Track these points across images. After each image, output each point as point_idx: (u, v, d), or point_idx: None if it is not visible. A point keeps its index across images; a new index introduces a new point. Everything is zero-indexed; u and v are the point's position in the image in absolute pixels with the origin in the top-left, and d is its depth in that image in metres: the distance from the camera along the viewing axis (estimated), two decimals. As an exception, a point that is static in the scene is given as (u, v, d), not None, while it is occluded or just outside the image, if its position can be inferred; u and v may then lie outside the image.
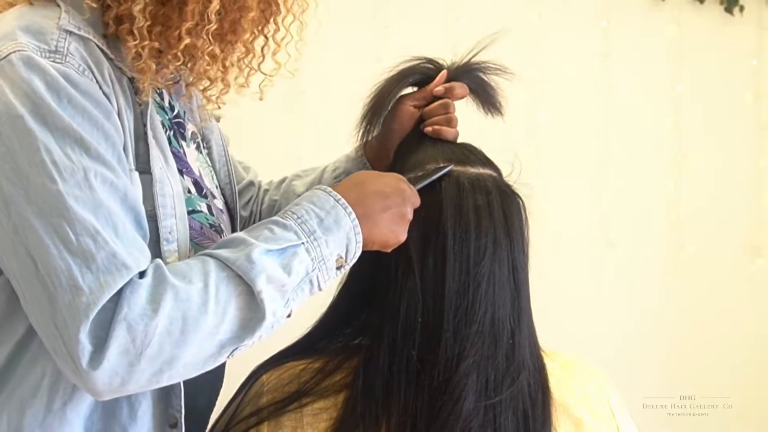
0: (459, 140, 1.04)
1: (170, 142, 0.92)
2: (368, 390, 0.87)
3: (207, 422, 1.02)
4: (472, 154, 0.98)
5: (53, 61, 0.78)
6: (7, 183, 0.75)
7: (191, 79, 0.92)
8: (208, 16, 0.83)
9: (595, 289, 2.46)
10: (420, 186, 0.93)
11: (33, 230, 0.74)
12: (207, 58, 0.86)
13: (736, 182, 2.60)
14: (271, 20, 0.91)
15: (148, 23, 0.83)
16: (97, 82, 0.81)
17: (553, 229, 2.29)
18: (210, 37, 0.85)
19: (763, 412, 2.60)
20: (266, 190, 1.25)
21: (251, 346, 0.81)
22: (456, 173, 0.94)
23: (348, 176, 0.97)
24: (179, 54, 0.85)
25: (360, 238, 0.87)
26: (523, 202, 0.97)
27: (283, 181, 1.25)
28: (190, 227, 0.89)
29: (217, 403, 0.99)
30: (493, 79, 1.09)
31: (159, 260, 0.79)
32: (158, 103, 0.93)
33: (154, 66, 0.84)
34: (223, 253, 0.80)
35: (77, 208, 0.74)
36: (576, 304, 2.36)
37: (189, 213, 0.90)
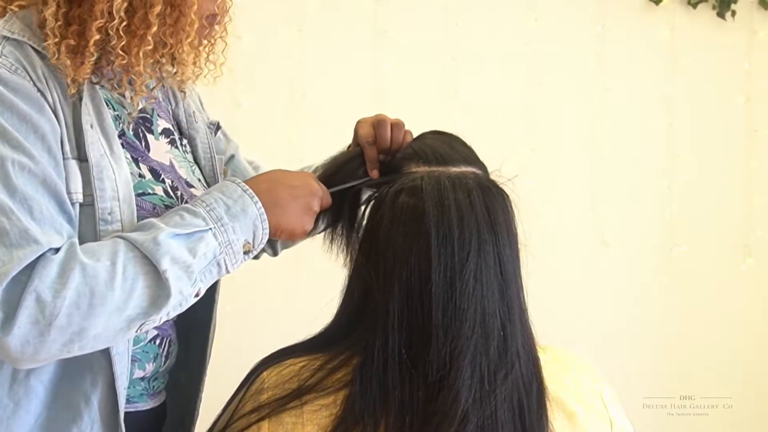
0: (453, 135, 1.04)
1: (123, 133, 0.98)
2: (366, 388, 0.87)
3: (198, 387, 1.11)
4: (455, 153, 0.98)
5: None
6: None
7: (117, 74, 0.97)
8: (114, 13, 0.89)
9: (589, 287, 2.46)
10: (335, 189, 1.01)
11: None
12: (120, 52, 0.91)
13: (728, 183, 2.60)
14: (185, 12, 0.94)
15: (59, 23, 0.89)
16: (31, 79, 0.88)
17: (548, 229, 2.30)
18: (119, 32, 0.90)
19: (763, 412, 2.60)
20: None
21: (157, 321, 0.87)
22: (437, 173, 0.93)
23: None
24: (91, 50, 0.90)
25: (266, 225, 0.94)
26: (508, 197, 0.96)
27: None
28: (141, 207, 0.95)
29: (219, 399, 0.99)
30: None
31: (74, 240, 0.85)
32: (116, 100, 0.99)
33: (69, 62, 0.89)
34: (133, 235, 0.86)
35: None
36: (570, 303, 2.37)
37: (139, 195, 0.95)
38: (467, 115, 2.23)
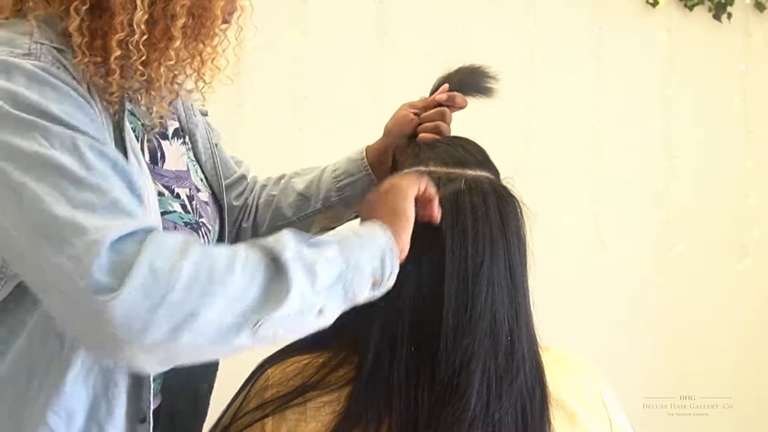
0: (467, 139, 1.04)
1: (142, 149, 0.92)
2: (371, 386, 0.87)
3: (194, 425, 1.03)
4: (470, 156, 0.98)
5: (29, 60, 0.78)
6: (4, 162, 0.73)
7: (137, 86, 0.89)
8: (135, 25, 0.82)
9: (587, 287, 2.46)
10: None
11: (34, 195, 0.71)
12: (140, 68, 0.84)
13: (724, 183, 2.60)
14: (207, 26, 0.88)
15: (86, 39, 0.82)
16: (75, 79, 0.80)
17: (546, 229, 2.29)
18: (140, 47, 0.83)
19: (763, 412, 2.59)
20: (264, 185, 1.25)
21: (276, 325, 0.74)
22: (455, 176, 0.93)
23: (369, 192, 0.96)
24: (113, 67, 0.82)
25: (396, 254, 0.83)
26: (518, 203, 0.96)
27: (282, 177, 1.25)
28: (164, 228, 0.89)
29: (222, 396, 0.99)
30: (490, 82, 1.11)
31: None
32: (129, 110, 0.92)
33: (102, 81, 0.83)
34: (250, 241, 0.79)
35: (72, 167, 0.73)
36: (568, 302, 2.36)
37: (162, 214, 0.90)
38: (467, 115, 2.23)
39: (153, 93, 0.88)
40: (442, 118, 1.08)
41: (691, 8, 2.55)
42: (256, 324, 0.73)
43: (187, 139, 1.06)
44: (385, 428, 0.86)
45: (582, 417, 0.92)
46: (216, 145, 1.14)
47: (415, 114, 1.11)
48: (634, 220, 2.52)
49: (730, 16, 2.57)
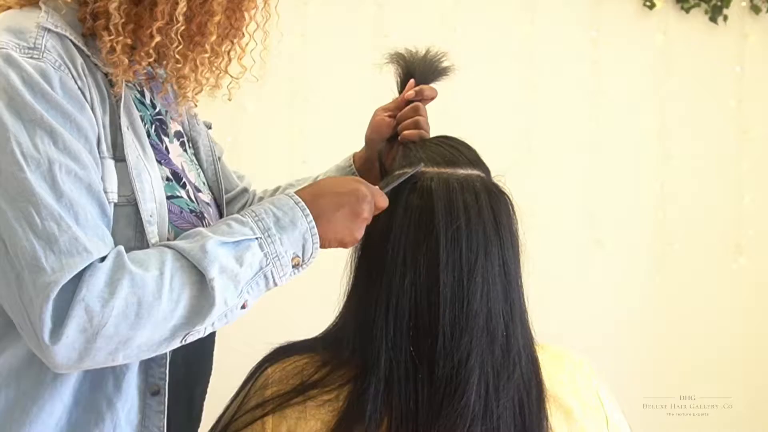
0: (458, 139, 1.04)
1: (149, 135, 0.95)
2: (371, 384, 0.86)
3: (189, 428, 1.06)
4: (461, 155, 0.98)
5: (31, 57, 0.82)
6: None
7: (166, 76, 0.94)
8: (176, 17, 0.86)
9: (584, 286, 2.46)
10: (389, 188, 0.94)
11: (3, 214, 0.77)
12: (177, 56, 0.89)
13: (720, 184, 2.60)
14: (237, 26, 0.93)
15: (123, 20, 0.86)
16: (72, 76, 0.84)
17: (544, 228, 2.30)
18: (179, 36, 0.87)
19: (763, 412, 2.59)
20: (261, 198, 1.27)
21: (203, 332, 0.84)
22: (446, 175, 0.93)
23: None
24: (150, 51, 0.87)
25: (317, 239, 0.89)
26: (510, 200, 0.96)
27: (277, 189, 1.27)
28: (170, 211, 0.92)
29: (222, 396, 0.99)
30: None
31: (120, 247, 0.82)
32: (139, 99, 0.96)
33: (126, 60, 0.87)
34: (180, 244, 0.83)
35: (43, 195, 0.77)
36: (566, 302, 2.36)
37: (168, 198, 0.92)
38: (466, 117, 2.23)
39: (183, 81, 0.93)
40: (418, 112, 1.09)
41: (687, 11, 2.55)
42: (184, 336, 0.82)
43: (189, 144, 1.08)
44: (386, 426, 0.86)
45: (578, 413, 0.92)
46: (219, 159, 1.18)
47: (390, 116, 1.12)
48: (630, 220, 2.52)
49: (726, 18, 2.57)
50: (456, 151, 0.98)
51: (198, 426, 1.08)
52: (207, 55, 0.90)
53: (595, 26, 2.46)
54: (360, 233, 0.92)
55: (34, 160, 0.78)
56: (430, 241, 0.89)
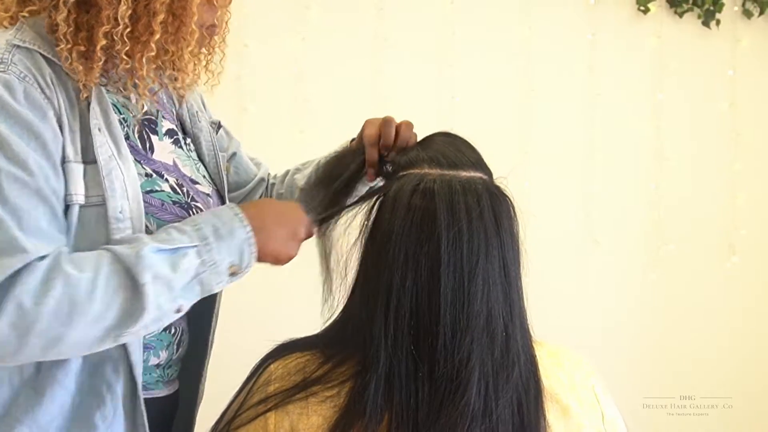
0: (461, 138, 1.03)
1: (127, 137, 0.97)
2: (372, 381, 0.86)
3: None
4: (464, 157, 0.97)
5: None
6: None
7: (122, 75, 0.97)
8: (120, 19, 0.89)
9: (581, 284, 2.46)
10: (327, 214, 0.98)
11: None
12: (124, 57, 0.91)
13: (713, 184, 2.61)
14: (186, 23, 0.94)
15: (71, 29, 0.89)
16: (39, 86, 0.87)
17: (542, 229, 2.29)
18: (124, 38, 0.90)
19: (763, 412, 2.58)
20: (273, 184, 1.30)
21: (136, 334, 0.86)
22: (449, 177, 0.92)
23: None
24: (98, 55, 0.90)
25: (254, 249, 0.92)
26: (511, 202, 0.96)
27: (286, 174, 1.29)
28: (150, 204, 0.95)
29: (226, 391, 0.98)
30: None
31: (63, 248, 0.85)
32: (122, 104, 0.99)
33: (81, 67, 0.89)
34: (118, 248, 0.85)
35: None
36: (564, 302, 2.36)
37: (147, 192, 0.95)
38: (465, 118, 2.23)
39: (137, 81, 0.95)
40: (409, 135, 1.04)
41: (681, 15, 2.55)
42: (117, 337, 0.84)
43: (185, 141, 1.10)
44: (386, 422, 0.85)
45: (575, 410, 0.91)
46: (235, 153, 1.24)
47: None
48: (626, 220, 2.52)
49: (718, 22, 2.58)
50: (459, 152, 0.97)
51: (207, 353, 1.13)
52: (153, 54, 0.92)
53: (591, 30, 2.46)
54: (295, 252, 0.97)
55: None
56: (431, 242, 0.88)
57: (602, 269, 2.48)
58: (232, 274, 0.90)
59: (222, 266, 0.89)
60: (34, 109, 0.86)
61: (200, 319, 1.12)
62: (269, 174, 1.32)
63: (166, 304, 0.85)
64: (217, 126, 1.21)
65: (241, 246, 0.90)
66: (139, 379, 0.93)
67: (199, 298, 0.90)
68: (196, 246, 0.88)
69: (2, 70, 0.86)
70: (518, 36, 2.37)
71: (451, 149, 0.98)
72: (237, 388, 0.95)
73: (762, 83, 2.65)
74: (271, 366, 0.91)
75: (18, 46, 0.88)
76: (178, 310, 0.88)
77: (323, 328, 0.96)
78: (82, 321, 0.80)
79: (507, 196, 0.96)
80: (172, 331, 1.04)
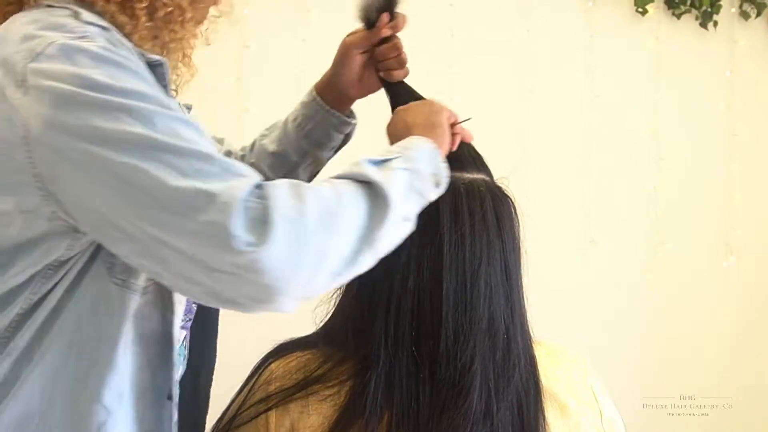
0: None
1: None
2: (372, 381, 0.86)
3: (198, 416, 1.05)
4: (466, 158, 0.98)
5: (86, 41, 0.75)
6: (95, 147, 0.70)
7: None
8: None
9: (579, 284, 2.46)
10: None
11: (144, 173, 0.70)
12: (177, 29, 0.88)
13: (710, 184, 2.60)
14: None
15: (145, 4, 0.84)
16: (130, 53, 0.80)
17: (540, 229, 2.29)
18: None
19: (763, 412, 2.58)
20: (243, 155, 1.27)
21: (386, 239, 0.79)
22: (452, 178, 0.92)
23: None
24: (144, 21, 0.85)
25: (440, 153, 0.89)
26: (513, 203, 0.96)
27: (254, 144, 1.27)
28: None
29: (225, 390, 0.99)
30: None
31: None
32: None
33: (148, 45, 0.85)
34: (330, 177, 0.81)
35: (171, 140, 0.71)
36: (562, 301, 2.36)
37: None
38: (461, 119, 2.22)
39: (186, 56, 0.95)
40: (399, 50, 1.08)
41: (678, 16, 2.55)
42: (372, 243, 0.76)
43: None
44: (386, 422, 0.85)
45: (574, 409, 0.91)
46: (230, 153, 1.20)
47: (361, 54, 1.12)
48: (624, 220, 2.52)
49: (716, 24, 2.57)
50: (461, 154, 0.97)
51: (206, 413, 1.08)
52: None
53: (589, 32, 2.45)
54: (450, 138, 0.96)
55: (145, 114, 0.72)
56: (434, 244, 0.88)
57: (600, 269, 2.48)
58: (436, 183, 0.87)
59: (426, 174, 0.85)
60: (140, 67, 0.78)
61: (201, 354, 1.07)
62: (238, 149, 1.27)
63: (400, 208, 0.79)
64: (188, 108, 1.14)
65: (431, 155, 0.87)
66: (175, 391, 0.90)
67: (419, 210, 0.84)
68: (399, 156, 0.84)
69: (90, 40, 0.76)
70: (517, 38, 2.37)
71: (454, 150, 0.98)
72: (238, 388, 0.95)
73: (759, 84, 2.65)
74: (272, 365, 0.91)
75: (92, 23, 0.79)
76: (407, 218, 0.82)
77: (320, 326, 0.96)
78: (342, 230, 0.74)
79: (509, 197, 0.96)
80: (186, 344, 1.00)
